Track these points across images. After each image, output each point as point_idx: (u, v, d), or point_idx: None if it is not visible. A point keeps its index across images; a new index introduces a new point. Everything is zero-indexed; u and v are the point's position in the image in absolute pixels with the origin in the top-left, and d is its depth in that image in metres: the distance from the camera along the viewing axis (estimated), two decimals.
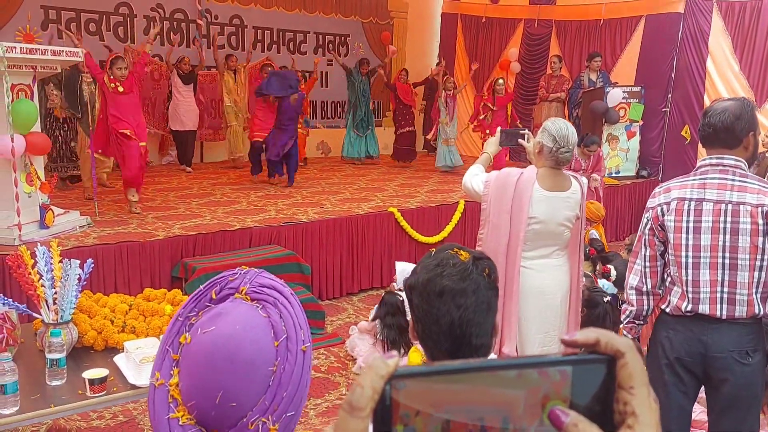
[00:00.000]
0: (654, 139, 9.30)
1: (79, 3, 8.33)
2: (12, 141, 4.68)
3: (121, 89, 5.73)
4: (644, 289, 2.54)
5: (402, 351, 4.57)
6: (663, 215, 2.47)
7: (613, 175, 8.70)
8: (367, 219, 6.34)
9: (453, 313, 1.35)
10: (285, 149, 7.44)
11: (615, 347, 0.44)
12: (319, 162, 10.00)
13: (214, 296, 1.04)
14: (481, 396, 0.43)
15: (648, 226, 2.53)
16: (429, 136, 10.26)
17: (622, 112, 8.77)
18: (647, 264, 2.53)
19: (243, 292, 1.03)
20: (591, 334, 0.45)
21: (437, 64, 11.19)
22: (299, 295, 4.92)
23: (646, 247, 2.54)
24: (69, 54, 5.15)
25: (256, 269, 1.08)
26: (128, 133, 5.75)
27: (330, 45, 11.00)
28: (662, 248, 2.51)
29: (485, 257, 1.45)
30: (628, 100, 8.85)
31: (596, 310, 4.22)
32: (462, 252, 1.43)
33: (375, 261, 6.38)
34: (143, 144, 5.94)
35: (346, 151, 9.93)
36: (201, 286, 1.07)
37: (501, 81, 8.94)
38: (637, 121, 8.98)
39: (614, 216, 8.34)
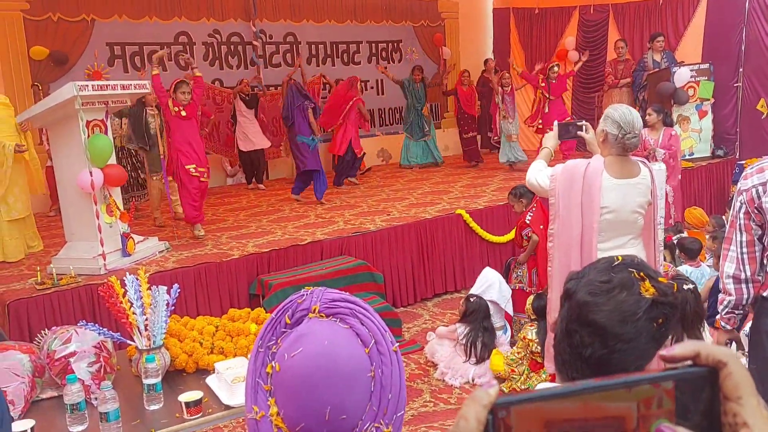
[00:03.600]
0: (727, 116, 8.90)
1: (141, 36, 8.65)
2: (91, 175, 4.89)
3: (183, 113, 5.88)
4: (742, 276, 2.41)
5: (485, 355, 4.51)
6: (759, 197, 2.34)
7: (687, 157, 8.35)
8: (435, 223, 6.31)
9: (597, 349, 1.18)
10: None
11: (716, 358, 0.43)
12: (380, 169, 10.03)
13: (288, 321, 1.04)
14: (594, 412, 0.43)
15: (743, 210, 2.40)
16: (490, 134, 10.18)
17: (691, 92, 8.43)
18: (744, 250, 2.40)
19: (316, 311, 1.03)
20: (690, 346, 0.45)
21: (485, 62, 11.08)
22: (374, 304, 4.96)
23: (741, 232, 2.41)
24: (137, 87, 5.35)
25: (320, 287, 1.08)
26: (192, 171, 5.86)
27: (383, 52, 11.04)
28: (760, 232, 2.37)
29: (669, 301, 1.19)
30: (697, 79, 8.49)
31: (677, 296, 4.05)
32: (647, 283, 1.19)
33: (447, 264, 6.34)
34: (203, 170, 6.01)
35: (403, 158, 9.94)
36: (272, 314, 1.07)
37: (556, 68, 8.74)
38: (708, 100, 8.61)
39: (691, 199, 8.01)
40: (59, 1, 7.96)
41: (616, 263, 1.24)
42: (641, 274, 1.20)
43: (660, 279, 1.22)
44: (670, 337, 1.23)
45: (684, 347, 0.43)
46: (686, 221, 6.89)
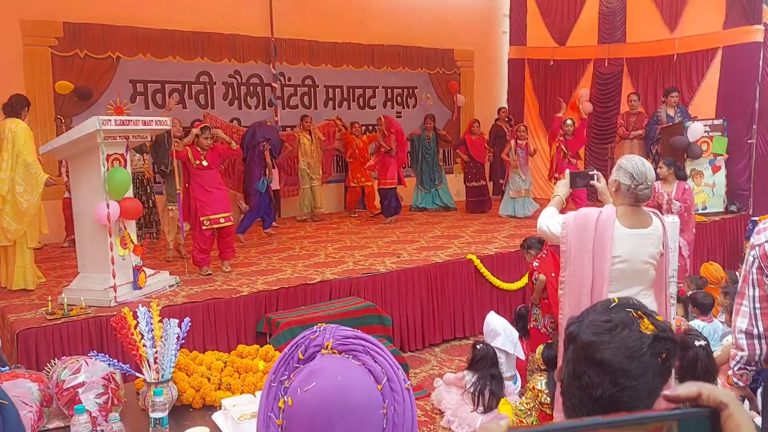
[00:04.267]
0: (741, 171, 8.92)
1: (164, 74, 8.86)
2: (108, 207, 4.95)
3: (205, 163, 5.97)
4: (755, 332, 2.39)
5: (493, 404, 4.45)
6: None
7: (700, 211, 8.34)
8: (445, 267, 6.31)
9: (606, 389, 1.19)
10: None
11: (717, 399, 0.44)
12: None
13: (301, 356, 1.05)
14: None
15: (755, 265, 2.40)
16: (502, 181, 10.25)
17: (704, 147, 8.47)
18: (757, 305, 2.38)
19: (329, 347, 1.04)
20: (692, 387, 0.46)
21: (499, 111, 11.22)
22: None
23: (754, 287, 2.40)
24: (158, 123, 5.45)
25: (333, 324, 1.09)
26: (205, 223, 5.92)
27: (398, 98, 11.22)
28: None
29: (669, 337, 1.23)
30: (710, 134, 8.55)
31: (689, 353, 4.00)
32: (646, 320, 1.23)
33: (456, 310, 6.31)
34: (227, 215, 6.10)
35: (414, 201, 10.04)
36: (285, 350, 1.08)
37: (569, 121, 8.84)
38: (722, 155, 8.64)
39: (704, 254, 7.96)
40: (87, 38, 8.19)
41: (614, 305, 1.27)
42: (638, 312, 1.23)
43: (657, 317, 1.25)
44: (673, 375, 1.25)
45: (687, 388, 0.45)
46: (702, 276, 6.84)
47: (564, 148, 8.64)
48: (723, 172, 8.72)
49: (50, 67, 8.01)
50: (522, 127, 9.38)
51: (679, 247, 6.11)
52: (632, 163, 2.91)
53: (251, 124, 8.70)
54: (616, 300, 1.28)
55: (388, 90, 11.09)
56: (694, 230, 6.79)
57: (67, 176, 7.00)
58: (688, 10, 9.51)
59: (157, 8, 8.60)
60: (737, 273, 6.39)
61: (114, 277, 5.02)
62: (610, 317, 1.23)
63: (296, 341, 1.07)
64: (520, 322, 5.34)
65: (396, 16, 10.75)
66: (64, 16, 8.02)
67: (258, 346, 2.94)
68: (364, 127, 10.06)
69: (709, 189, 8.68)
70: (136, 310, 2.50)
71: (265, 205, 8.13)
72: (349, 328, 1.07)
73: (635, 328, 1.21)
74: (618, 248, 2.91)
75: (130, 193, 5.30)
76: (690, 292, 5.75)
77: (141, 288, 5.24)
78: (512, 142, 9.21)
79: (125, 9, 8.35)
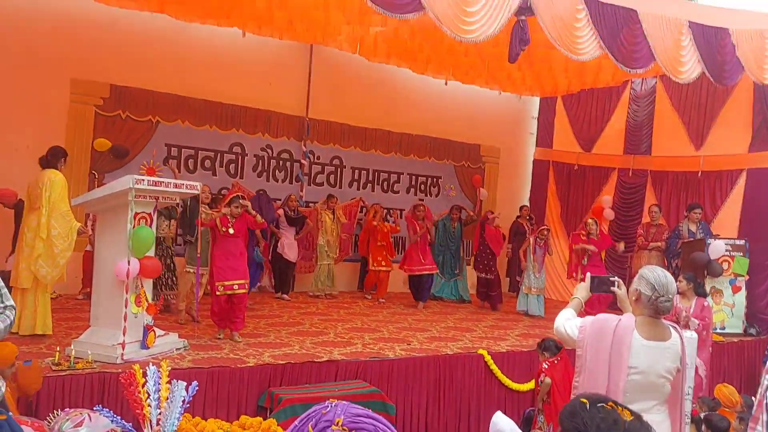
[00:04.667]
0: (762, 295, 8.80)
1: (198, 142, 9.15)
2: (128, 264, 5.02)
3: (231, 231, 6.11)
4: None
5: None
6: None
7: (718, 330, 8.20)
8: (455, 359, 6.22)
9: None
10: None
11: None
12: (405, 297, 10.02)
13: (311, 430, 1.05)
14: None
15: None
16: (519, 278, 10.21)
17: (725, 265, 8.42)
18: None
19: (339, 424, 1.04)
20: None
21: (521, 209, 11.32)
22: None
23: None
24: (188, 187, 5.60)
25: (344, 402, 1.10)
26: (220, 288, 6.04)
27: (422, 185, 11.41)
28: None
29: (645, 421, 1.38)
30: (732, 253, 8.52)
31: None
32: (625, 411, 1.38)
33: (462, 405, 6.16)
34: (242, 282, 6.18)
35: (432, 288, 9.99)
36: (296, 422, 1.08)
37: (591, 221, 8.92)
38: (743, 276, 8.57)
39: (720, 375, 7.76)
40: (130, 101, 8.55)
41: (587, 403, 1.38)
42: (611, 404, 1.36)
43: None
44: None
45: None
46: (715, 398, 6.65)
47: (589, 247, 8.68)
48: (743, 293, 8.62)
49: (92, 125, 8.33)
50: (545, 230, 9.45)
51: (696, 366, 5.98)
52: (654, 274, 2.92)
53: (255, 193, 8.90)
54: (586, 401, 1.37)
55: (413, 177, 11.30)
56: (710, 349, 6.66)
57: (92, 230, 7.15)
58: (714, 130, 9.69)
59: (200, 79, 8.99)
60: (753, 398, 6.20)
61: (124, 334, 5.03)
62: (605, 414, 1.34)
63: (307, 414, 1.08)
64: (527, 426, 5.19)
65: (426, 107, 11.10)
66: (112, 79, 8.41)
67: (261, 419, 2.90)
68: (385, 210, 10.19)
69: (728, 309, 8.56)
70: (146, 368, 2.51)
71: (252, 269, 8.15)
72: (360, 407, 1.08)
73: (622, 418, 1.33)
74: (635, 359, 2.86)
75: (151, 253, 5.38)
76: (703, 414, 5.58)
77: (149, 348, 5.22)
78: (531, 239, 9.28)
79: (170, 77, 8.75)
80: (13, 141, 7.63)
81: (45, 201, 5.63)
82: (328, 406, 1.11)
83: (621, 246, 9.68)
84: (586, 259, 8.73)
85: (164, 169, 8.75)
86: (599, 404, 1.36)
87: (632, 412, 1.34)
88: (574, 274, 9.11)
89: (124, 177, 5.11)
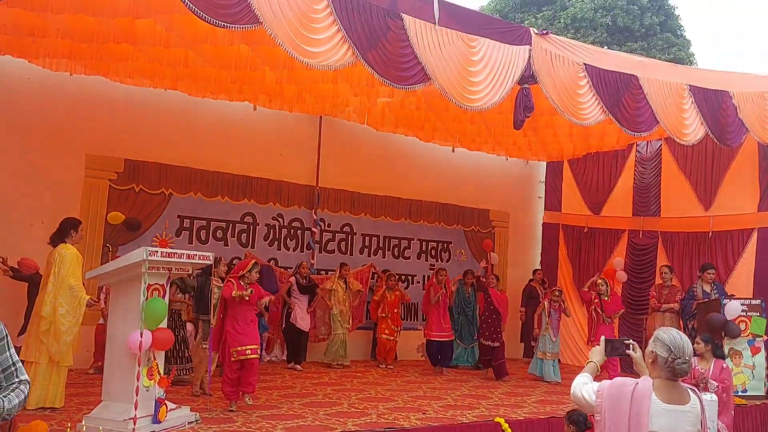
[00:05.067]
0: None
1: (210, 213, 9.28)
2: (141, 336, 5.02)
3: (247, 298, 6.15)
4: None
5: None
6: None
7: (740, 393, 7.99)
8: (472, 429, 6.08)
9: None
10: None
11: None
12: (419, 365, 9.89)
13: None
14: None
15: None
16: (533, 344, 10.08)
17: (743, 326, 8.29)
18: None
19: None
20: None
21: (534, 272, 11.29)
22: None
23: None
24: (201, 258, 5.66)
25: None
26: (234, 355, 6.08)
27: (433, 251, 11.43)
28: None
29: None
30: (748, 314, 8.39)
31: None
32: None
33: None
34: (254, 347, 6.21)
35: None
36: None
37: (601, 281, 8.87)
38: (761, 336, 8.42)
39: None
40: (144, 174, 8.73)
41: None
42: None
43: None
44: None
45: None
46: None
47: (600, 310, 8.59)
48: (763, 353, 8.44)
49: (106, 199, 8.47)
50: (557, 291, 9.40)
51: (718, 430, 5.82)
52: (670, 335, 2.89)
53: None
54: None
55: (423, 243, 11.34)
56: (732, 413, 6.48)
57: (105, 303, 7.19)
58: (722, 190, 9.74)
59: (212, 152, 9.20)
60: None
61: (135, 409, 4.97)
62: None
63: None
64: None
65: (434, 174, 11.26)
66: (127, 153, 8.62)
67: None
68: (397, 276, 10.17)
69: (748, 371, 8.36)
70: None
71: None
72: None
73: None
74: (654, 424, 2.81)
75: (164, 324, 5.38)
76: None
77: (160, 422, 5.15)
78: (545, 303, 9.23)
79: (183, 150, 8.97)
80: (30, 215, 7.77)
81: (53, 277, 5.70)
82: None
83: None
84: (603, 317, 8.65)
85: (176, 240, 8.86)
86: None
87: None
88: (592, 339, 8.97)
89: (138, 249, 5.17)
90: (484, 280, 9.79)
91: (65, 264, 5.72)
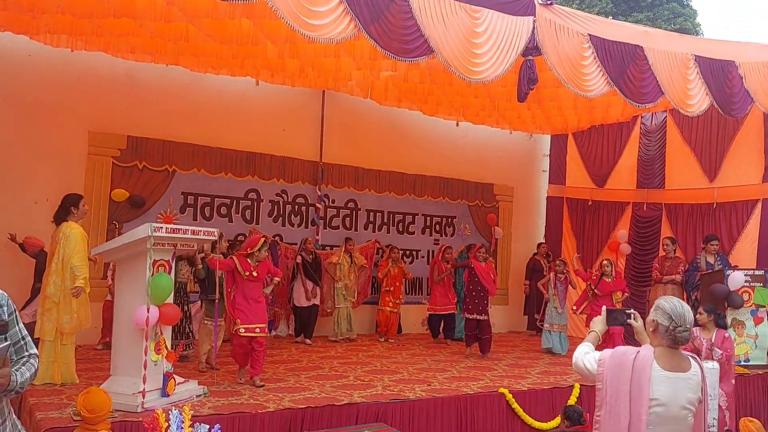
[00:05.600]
0: None
1: (214, 189, 9.29)
2: (148, 311, 5.07)
3: (255, 274, 6.17)
4: None
5: None
6: None
7: (742, 363, 8.05)
8: (476, 399, 6.15)
9: None
10: None
11: None
12: (424, 338, 9.97)
13: None
14: None
15: None
16: (537, 316, 10.14)
17: (746, 297, 8.32)
18: None
19: None
20: None
21: (539, 246, 11.30)
22: None
23: None
24: (206, 233, 5.68)
25: None
26: (241, 331, 6.06)
27: (437, 226, 11.44)
28: None
29: None
30: (752, 284, 8.41)
31: None
32: None
33: None
34: (263, 326, 6.21)
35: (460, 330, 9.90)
36: None
37: (606, 262, 8.86)
38: (764, 306, 8.45)
39: (746, 409, 7.58)
40: (147, 151, 8.72)
41: None
42: None
43: None
44: None
45: None
46: None
47: (594, 289, 8.63)
48: (766, 323, 8.46)
49: (110, 176, 8.48)
50: (559, 261, 9.45)
51: (719, 397, 5.88)
52: (671, 304, 2.92)
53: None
54: None
55: (428, 218, 11.34)
56: (733, 381, 6.52)
57: (112, 280, 7.24)
58: (727, 161, 9.71)
59: (215, 128, 9.18)
60: None
61: (144, 383, 5.04)
62: None
63: None
64: None
65: (438, 148, 11.22)
66: (129, 130, 8.61)
67: None
68: (399, 250, 10.19)
69: (751, 341, 8.40)
70: (169, 412, 2.53)
71: None
72: None
73: None
74: (656, 391, 2.84)
75: (170, 300, 5.43)
76: None
77: (169, 395, 5.22)
78: (551, 275, 9.28)
79: (186, 127, 8.95)
80: (33, 193, 7.80)
81: (57, 257, 5.76)
82: None
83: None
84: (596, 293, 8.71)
85: (181, 216, 8.89)
86: None
87: None
88: (575, 308, 9.04)
89: (143, 225, 5.18)
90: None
91: (70, 243, 5.74)
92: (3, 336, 2.36)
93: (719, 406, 5.85)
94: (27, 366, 2.43)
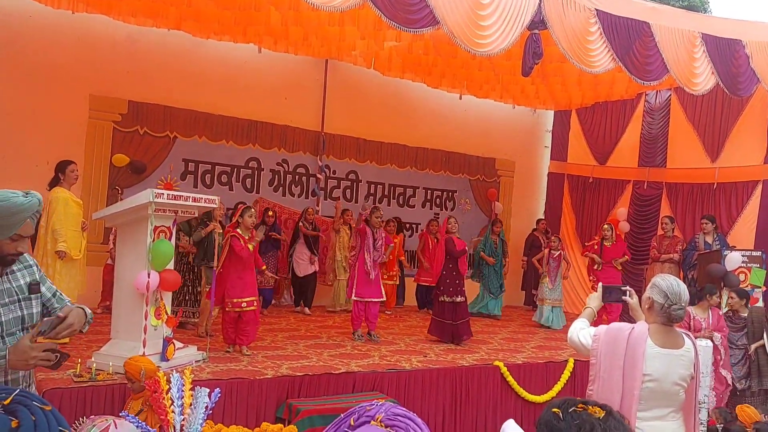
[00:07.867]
0: None
1: (215, 157, 9.28)
2: (148, 276, 5.10)
3: (251, 246, 6.16)
4: None
5: None
6: None
7: None
8: (471, 371, 6.23)
9: None
10: None
11: None
12: (423, 311, 10.05)
13: (352, 423, 1.13)
14: None
15: None
16: (534, 292, 10.22)
17: (742, 277, 8.37)
18: None
19: (378, 420, 1.11)
20: None
21: (538, 222, 11.33)
22: None
23: None
24: (207, 201, 5.69)
25: (391, 401, 1.18)
26: (232, 303, 6.07)
27: (437, 200, 11.45)
28: None
29: (615, 411, 1.48)
30: (748, 265, 8.46)
31: None
32: (596, 408, 1.48)
33: (479, 417, 6.16)
34: (252, 299, 6.19)
35: (482, 307, 9.91)
36: (342, 415, 1.16)
37: (607, 226, 8.99)
38: (760, 287, 8.51)
39: None
40: (148, 117, 8.69)
41: (558, 412, 1.50)
42: (582, 406, 1.47)
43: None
44: None
45: None
46: (732, 412, 6.59)
47: (597, 256, 8.74)
48: (761, 304, 8.53)
49: (110, 141, 8.47)
50: (554, 238, 9.51)
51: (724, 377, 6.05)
52: (667, 282, 2.94)
53: None
54: (557, 410, 1.50)
55: (428, 191, 11.35)
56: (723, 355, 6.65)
57: (113, 244, 7.27)
58: (730, 141, 9.67)
59: (217, 95, 9.13)
60: None
61: (144, 346, 5.09)
62: (579, 419, 1.45)
63: (354, 409, 1.17)
64: None
65: (441, 122, 11.17)
66: (130, 95, 8.56)
67: (281, 425, 2.94)
68: (395, 222, 10.14)
69: None
70: (170, 375, 2.55)
71: None
72: (403, 409, 1.15)
73: (595, 418, 1.45)
74: (649, 367, 2.88)
75: (171, 266, 5.46)
76: (720, 425, 5.53)
77: (168, 360, 5.28)
78: (546, 251, 9.38)
79: (187, 93, 8.90)
80: (34, 156, 7.78)
81: (44, 222, 5.89)
82: (374, 405, 1.23)
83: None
84: (599, 266, 8.83)
85: (181, 183, 8.88)
86: (571, 410, 1.42)
87: (602, 407, 1.45)
88: (591, 277, 9.19)
89: (145, 191, 5.19)
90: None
91: (51, 208, 5.90)
92: (38, 294, 2.49)
93: (718, 377, 5.98)
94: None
